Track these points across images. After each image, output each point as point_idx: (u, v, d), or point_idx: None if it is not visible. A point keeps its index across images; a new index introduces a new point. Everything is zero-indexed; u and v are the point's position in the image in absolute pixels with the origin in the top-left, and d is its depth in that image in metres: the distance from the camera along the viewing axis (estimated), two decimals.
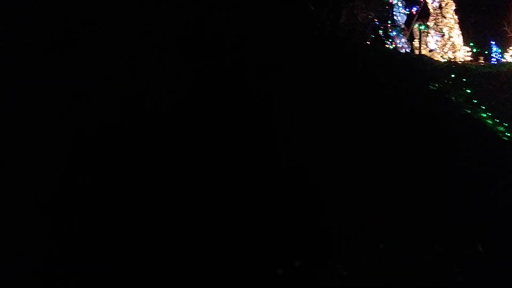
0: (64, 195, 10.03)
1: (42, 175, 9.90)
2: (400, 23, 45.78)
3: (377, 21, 42.51)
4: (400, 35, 45.31)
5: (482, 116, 30.36)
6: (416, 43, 46.84)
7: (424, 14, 48.20)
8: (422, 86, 26.28)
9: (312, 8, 22.30)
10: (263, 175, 12.23)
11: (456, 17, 47.42)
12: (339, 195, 12.78)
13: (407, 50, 44.56)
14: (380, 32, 42.58)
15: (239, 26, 15.49)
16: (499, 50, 48.69)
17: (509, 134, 29.17)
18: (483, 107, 31.05)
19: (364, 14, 40.95)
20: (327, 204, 12.50)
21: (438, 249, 13.01)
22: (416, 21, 47.03)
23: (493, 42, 49.01)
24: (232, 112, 12.80)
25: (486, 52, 48.63)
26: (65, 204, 9.96)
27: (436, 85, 29.67)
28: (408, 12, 46.78)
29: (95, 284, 9.38)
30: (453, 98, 30.16)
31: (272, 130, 13.42)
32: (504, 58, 48.69)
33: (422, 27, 46.89)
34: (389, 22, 43.91)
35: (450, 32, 46.98)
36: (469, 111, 29.66)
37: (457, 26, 47.53)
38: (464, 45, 47.67)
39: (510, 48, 47.61)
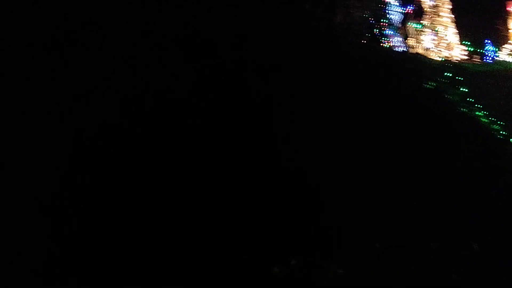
0: (64, 195, 10.01)
1: (42, 175, 9.87)
2: (396, 22, 45.62)
3: (372, 20, 42.30)
4: (396, 34, 45.14)
5: (478, 114, 30.38)
6: (411, 42, 46.74)
7: (419, 13, 48.07)
8: (418, 85, 26.24)
9: (308, 7, 22.26)
10: (262, 175, 12.23)
11: (451, 15, 47.38)
12: (338, 195, 12.77)
13: (403, 49, 44.38)
14: (376, 31, 42.35)
15: (237, 26, 15.48)
16: (494, 49, 48.72)
17: (504, 133, 29.21)
18: (479, 106, 31.08)
19: (360, 13, 40.73)
20: (326, 204, 12.50)
21: (436, 248, 13.03)
22: (411, 20, 46.92)
23: (488, 41, 49.03)
24: (232, 111, 12.78)
25: (481, 51, 48.57)
26: (65, 204, 9.94)
27: (432, 84, 29.63)
28: (404, 11, 46.60)
29: (95, 284, 9.38)
30: (449, 96, 30.15)
31: (272, 130, 13.40)
32: (499, 57, 48.73)
33: (418, 26, 46.80)
34: (385, 21, 43.70)
35: (446, 30, 46.92)
36: (465, 110, 29.67)
37: (452, 24, 47.42)
38: (459, 43, 47.65)
39: (504, 46, 47.68)
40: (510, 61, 45.28)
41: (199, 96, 12.74)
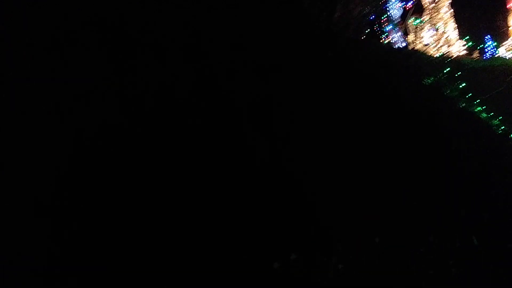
0: (64, 195, 10.02)
1: (42, 175, 9.88)
2: (395, 18, 45.82)
3: (372, 16, 42.53)
4: (395, 29, 45.33)
5: (477, 109, 30.52)
6: (410, 37, 46.89)
7: (418, 9, 48.23)
8: (418, 81, 26.29)
9: (307, 3, 22.26)
10: (263, 174, 12.25)
11: (451, 11, 47.45)
12: (339, 194, 12.82)
13: (402, 45, 44.63)
14: (376, 27, 42.59)
15: (234, 24, 15.47)
16: (494, 44, 48.84)
17: (504, 127, 29.30)
18: (479, 101, 31.21)
19: (359, 9, 40.94)
20: (327, 203, 12.54)
21: (436, 245, 13.08)
22: (410, 16, 47.10)
23: (488, 36, 49.18)
24: (232, 111, 12.80)
25: (481, 46, 48.83)
26: (65, 204, 9.95)
27: (431, 79, 29.70)
28: (403, 7, 46.91)
29: (95, 284, 9.40)
30: (448, 92, 30.23)
31: (272, 128, 13.43)
32: (498, 52, 48.80)
33: (417, 22, 46.92)
34: (384, 16, 43.91)
35: (445, 26, 47.05)
36: (464, 105, 29.76)
37: (452, 20, 47.58)
38: (458, 39, 47.73)
39: (504, 42, 47.74)
40: (509, 57, 45.46)
41: (199, 96, 12.74)
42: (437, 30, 47.47)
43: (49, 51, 11.06)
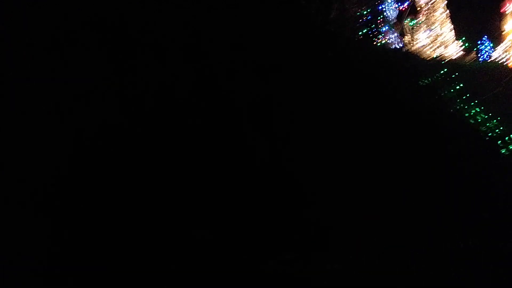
0: (64, 195, 10.02)
1: (42, 175, 9.88)
2: (392, 18, 45.82)
3: (368, 16, 42.55)
4: (392, 30, 45.34)
5: (474, 110, 30.60)
6: (407, 38, 46.99)
7: (415, 9, 48.33)
8: (414, 81, 26.32)
9: (303, 2, 22.23)
10: (263, 174, 12.27)
11: (447, 12, 47.60)
12: (338, 194, 12.83)
13: (399, 46, 44.66)
14: (372, 27, 42.52)
15: (229, 25, 15.49)
16: (491, 45, 49.03)
17: (502, 128, 29.41)
18: (476, 102, 31.29)
19: (356, 9, 41.00)
20: (326, 203, 12.55)
21: (434, 246, 13.09)
22: (407, 16, 47.25)
23: (485, 37, 49.35)
24: (231, 111, 12.80)
25: (478, 47, 48.95)
26: (65, 204, 9.95)
27: (428, 80, 29.78)
28: (399, 7, 46.87)
29: (95, 284, 9.40)
30: (445, 93, 30.32)
31: (270, 128, 13.44)
32: (495, 53, 48.99)
33: (413, 22, 47.06)
34: (381, 17, 43.91)
35: (441, 27, 47.12)
36: (461, 106, 29.86)
37: (448, 20, 47.69)
38: (455, 40, 47.90)
39: (501, 43, 47.92)
40: (505, 59, 45.69)
41: (199, 96, 12.75)
42: (433, 30, 47.52)
43: (49, 51, 11.06)
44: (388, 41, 45.52)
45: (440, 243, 13.11)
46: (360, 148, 14.48)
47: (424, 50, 46.02)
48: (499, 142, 27.40)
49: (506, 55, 45.96)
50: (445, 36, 47.44)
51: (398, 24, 46.95)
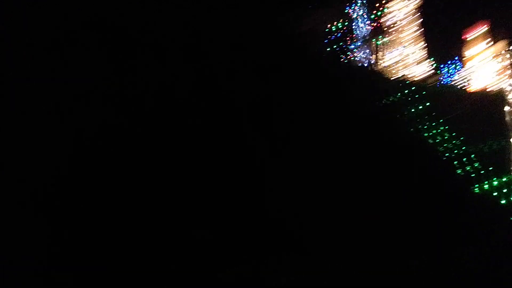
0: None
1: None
2: (361, 36, 46.02)
3: (338, 33, 42.84)
4: (361, 48, 45.44)
5: (435, 131, 30.89)
6: (375, 56, 46.98)
7: (384, 29, 48.29)
8: (379, 100, 26.28)
9: (272, 15, 21.79)
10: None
11: (416, 32, 47.75)
12: (297, 203, 12.56)
13: (366, 63, 44.82)
14: (341, 44, 42.80)
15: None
16: (455, 68, 49.43)
17: (464, 148, 29.74)
18: (437, 122, 31.59)
19: (326, 26, 41.34)
20: (285, 208, 12.32)
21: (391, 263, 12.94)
22: (376, 36, 47.23)
23: (450, 61, 49.85)
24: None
25: (442, 70, 49.46)
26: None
27: (392, 99, 30.13)
28: (370, 26, 47.05)
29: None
30: (408, 112, 30.69)
31: (233, 136, 13.06)
32: (458, 77, 49.42)
33: (382, 41, 47.10)
34: (351, 34, 44.11)
35: (409, 47, 47.37)
36: (421, 126, 30.22)
37: (417, 41, 47.89)
38: (421, 61, 48.04)
39: (464, 68, 48.47)
40: (465, 83, 46.20)
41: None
42: (401, 50, 47.63)
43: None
44: (356, 58, 45.88)
45: (397, 258, 12.99)
46: (315, 163, 14.02)
47: (391, 69, 46.14)
48: (455, 162, 27.89)
49: (466, 80, 46.38)
50: (412, 57, 47.58)
51: (367, 42, 47.10)
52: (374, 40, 47.09)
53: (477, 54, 44.43)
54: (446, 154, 28.90)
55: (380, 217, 13.62)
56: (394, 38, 47.71)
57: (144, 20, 12.86)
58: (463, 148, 29.81)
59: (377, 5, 47.82)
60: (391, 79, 42.77)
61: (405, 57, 47.17)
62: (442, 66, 49.61)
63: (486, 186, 27.29)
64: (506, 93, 34.11)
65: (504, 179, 28.97)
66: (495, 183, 27.80)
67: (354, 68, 37.78)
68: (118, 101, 11.38)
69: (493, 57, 36.58)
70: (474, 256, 14.90)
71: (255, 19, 15.85)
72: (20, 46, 10.72)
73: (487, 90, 40.75)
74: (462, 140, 30.47)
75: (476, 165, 28.45)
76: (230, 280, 10.64)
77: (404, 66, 46.66)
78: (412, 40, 47.43)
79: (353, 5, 46.66)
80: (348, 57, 42.74)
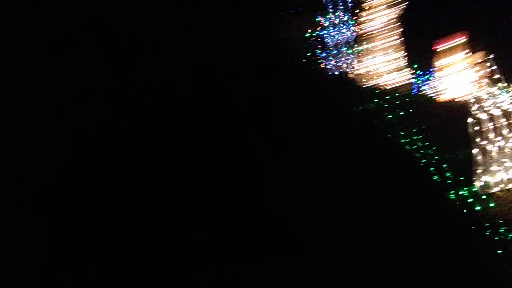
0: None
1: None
2: (333, 45, 46.00)
3: (312, 41, 42.85)
4: (332, 57, 45.47)
5: (412, 138, 31.08)
6: (347, 65, 46.91)
7: (357, 38, 48.28)
8: (352, 108, 26.21)
9: (243, 21, 21.37)
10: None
11: (392, 40, 47.85)
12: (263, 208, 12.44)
13: (338, 72, 44.81)
14: (313, 52, 42.73)
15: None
16: (433, 76, 49.68)
17: (437, 157, 29.98)
18: (413, 131, 31.72)
19: (299, 32, 41.26)
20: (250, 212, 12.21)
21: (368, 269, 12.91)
22: (349, 44, 47.21)
23: (427, 69, 49.98)
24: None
25: (420, 78, 49.59)
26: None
27: (366, 107, 30.20)
28: (344, 34, 47.05)
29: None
30: (382, 121, 30.77)
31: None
32: (429, 87, 49.58)
33: (354, 50, 47.13)
34: (324, 42, 44.10)
35: (382, 57, 47.38)
36: (398, 134, 30.35)
37: (393, 49, 47.94)
38: (398, 69, 48.16)
39: (436, 77, 48.68)
40: (438, 92, 46.45)
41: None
42: (373, 59, 47.62)
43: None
44: (331, 66, 45.86)
45: (373, 265, 12.97)
46: (288, 171, 13.85)
47: (366, 76, 45.97)
48: (432, 168, 28.10)
49: (442, 89, 46.60)
50: (387, 65, 47.50)
51: (339, 51, 46.99)
52: (348, 48, 47.32)
53: (454, 64, 44.73)
54: (423, 161, 29.25)
55: (358, 222, 13.61)
56: (369, 47, 47.88)
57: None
58: (439, 155, 30.19)
59: (352, 13, 48.10)
60: (368, 87, 43.19)
61: (381, 65, 47.34)
62: (417, 74, 50.07)
63: (462, 193, 27.76)
64: (482, 102, 34.58)
65: (478, 186, 29.60)
66: (471, 189, 28.32)
67: (328, 76, 38.17)
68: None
69: (470, 67, 36.98)
70: (450, 260, 15.01)
71: (226, 24, 15.47)
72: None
73: (461, 99, 41.19)
74: (437, 147, 30.85)
75: (451, 172, 28.85)
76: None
77: (378, 74, 46.92)
78: (388, 49, 47.75)
79: (327, 13, 47.01)
80: (322, 64, 42.97)
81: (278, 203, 12.26)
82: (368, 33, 47.85)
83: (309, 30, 42.69)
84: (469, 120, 33.47)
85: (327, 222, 12.94)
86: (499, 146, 31.66)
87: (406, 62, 47.91)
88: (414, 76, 49.24)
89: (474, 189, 28.38)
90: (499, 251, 18.21)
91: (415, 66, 48.59)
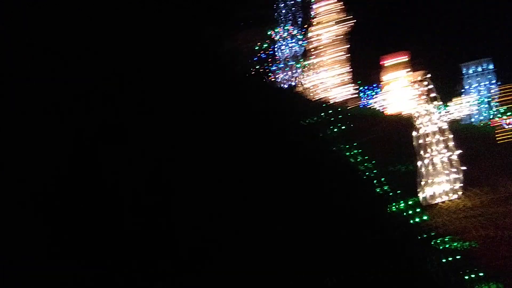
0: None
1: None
2: (285, 58, 46.45)
3: (261, 54, 43.64)
4: (281, 70, 45.96)
5: (353, 152, 31.65)
6: (295, 79, 47.34)
7: (305, 53, 48.62)
8: (297, 121, 26.24)
9: (195, 34, 20.91)
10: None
11: (338, 57, 48.22)
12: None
13: (285, 85, 45.36)
14: (263, 65, 43.46)
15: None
16: (376, 91, 50.15)
17: (376, 171, 30.53)
18: (354, 144, 32.26)
19: (249, 46, 41.80)
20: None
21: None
22: (297, 59, 47.58)
23: (371, 84, 50.54)
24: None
25: (363, 93, 50.11)
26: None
27: (310, 121, 30.52)
28: (293, 49, 47.54)
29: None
30: (325, 134, 31.17)
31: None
32: (373, 102, 50.18)
33: (302, 65, 47.47)
34: (273, 56, 44.79)
35: (329, 72, 47.87)
36: (340, 147, 30.76)
37: (339, 64, 48.38)
38: (343, 84, 48.55)
39: (380, 92, 49.10)
40: (381, 108, 47.17)
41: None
42: (320, 74, 48.08)
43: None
44: (279, 80, 46.59)
45: (313, 276, 12.92)
46: (229, 180, 13.67)
47: (312, 91, 46.49)
48: (374, 181, 28.79)
49: (384, 104, 47.22)
50: (333, 80, 48.06)
51: (287, 65, 47.60)
52: (296, 62, 48.07)
53: (395, 80, 45.68)
54: (367, 173, 29.86)
55: (299, 234, 13.60)
56: (316, 61, 48.56)
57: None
58: (380, 168, 30.84)
59: (301, 28, 48.93)
60: (313, 101, 44.08)
61: (326, 80, 48.10)
62: (362, 90, 50.94)
63: (399, 205, 28.53)
64: (421, 118, 35.30)
65: (416, 199, 30.58)
66: (409, 202, 29.17)
67: (276, 89, 38.63)
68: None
69: (410, 84, 37.73)
70: (388, 270, 15.16)
71: (177, 36, 15.16)
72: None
73: (403, 114, 42.01)
74: (378, 161, 31.49)
75: (391, 185, 29.54)
76: None
77: (325, 89, 47.76)
78: (334, 64, 48.56)
79: (276, 27, 47.93)
80: (270, 78, 43.78)
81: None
82: (316, 48, 49.30)
83: (259, 43, 43.89)
84: (410, 134, 34.17)
85: (259, 235, 12.88)
86: (435, 161, 32.57)
87: (351, 77, 49.41)
88: (358, 91, 51.02)
89: (410, 202, 29.38)
90: (433, 261, 19.54)
91: (359, 81, 50.32)
